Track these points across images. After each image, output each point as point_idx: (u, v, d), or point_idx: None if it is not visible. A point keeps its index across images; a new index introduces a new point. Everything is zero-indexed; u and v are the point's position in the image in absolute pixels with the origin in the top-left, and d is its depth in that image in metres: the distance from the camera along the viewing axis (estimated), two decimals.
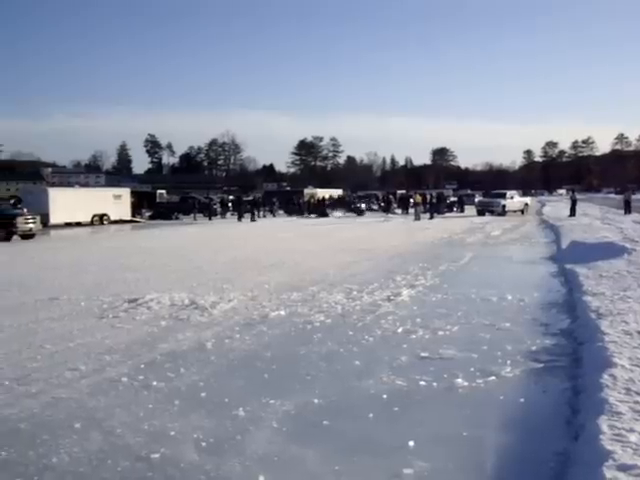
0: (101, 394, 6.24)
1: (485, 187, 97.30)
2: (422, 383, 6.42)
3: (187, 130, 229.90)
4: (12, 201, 46.60)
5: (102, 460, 4.69)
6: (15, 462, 4.70)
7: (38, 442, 5.04)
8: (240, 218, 48.76)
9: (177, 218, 53.49)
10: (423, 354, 7.49)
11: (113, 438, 5.11)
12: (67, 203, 43.26)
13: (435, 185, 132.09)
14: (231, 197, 68.79)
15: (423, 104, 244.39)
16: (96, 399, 6.10)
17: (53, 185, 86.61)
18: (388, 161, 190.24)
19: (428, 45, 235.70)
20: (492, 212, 47.48)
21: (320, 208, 55.84)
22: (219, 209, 57.77)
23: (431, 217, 44.80)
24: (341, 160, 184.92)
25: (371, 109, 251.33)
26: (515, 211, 48.44)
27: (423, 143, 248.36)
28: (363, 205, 57.65)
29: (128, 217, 48.63)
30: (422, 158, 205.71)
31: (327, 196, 65.35)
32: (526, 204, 51.38)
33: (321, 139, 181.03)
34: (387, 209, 56.66)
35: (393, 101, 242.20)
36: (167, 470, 4.52)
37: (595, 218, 34.79)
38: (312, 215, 54.08)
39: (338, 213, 55.60)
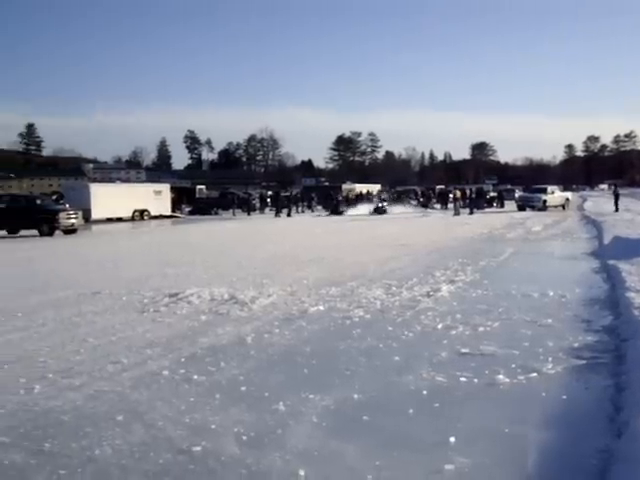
0: (143, 387, 6.31)
1: (525, 182, 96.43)
2: (463, 379, 6.36)
3: (226, 126, 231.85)
4: (54, 197, 47.49)
5: (144, 453, 4.74)
6: (59, 454, 4.76)
7: (81, 434, 5.10)
8: (277, 214, 48.86)
9: (216, 213, 53.91)
10: (463, 350, 7.43)
11: (155, 431, 5.16)
12: (108, 199, 43.83)
13: (474, 180, 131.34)
14: (269, 193, 69.04)
15: (462, 99, 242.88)
16: (138, 392, 6.16)
17: (94, 181, 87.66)
18: (427, 156, 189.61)
19: (468, 41, 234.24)
20: (533, 207, 47.03)
21: (333, 205, 51.53)
22: (258, 204, 58.00)
23: (471, 212, 44.53)
24: (379, 155, 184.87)
25: (410, 104, 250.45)
26: (556, 206, 47.93)
27: (462, 138, 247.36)
28: (385, 203, 51.46)
29: (168, 212, 49.12)
30: (461, 153, 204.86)
31: (363, 191, 65.12)
32: (567, 199, 50.84)
33: (359, 134, 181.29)
34: (426, 204, 56.38)
35: (432, 96, 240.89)
36: (208, 463, 4.55)
37: (638, 213, 34.26)
38: (311, 213, 50.85)
39: (357, 211, 49.98)
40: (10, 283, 14.03)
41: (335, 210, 49.85)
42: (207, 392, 6.12)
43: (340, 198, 56.02)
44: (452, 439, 4.88)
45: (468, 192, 51.98)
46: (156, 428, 5.21)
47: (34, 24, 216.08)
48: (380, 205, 50.21)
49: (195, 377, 6.59)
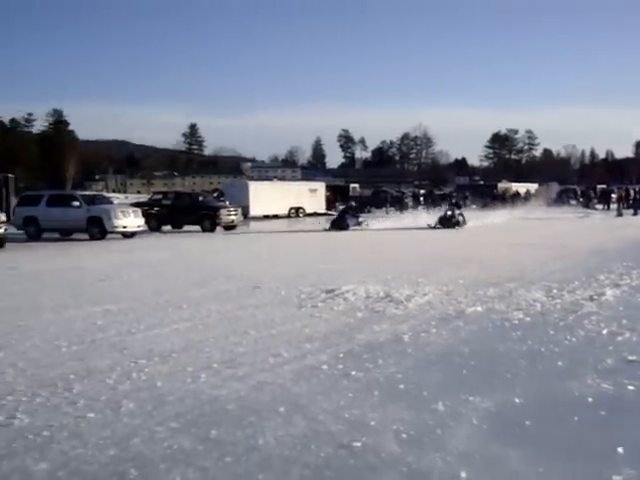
0: (303, 380, 6.43)
1: None
2: (630, 387, 6.06)
3: (379, 125, 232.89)
4: (215, 194, 49.47)
5: (305, 445, 4.82)
6: (224, 441, 4.92)
7: (245, 423, 5.27)
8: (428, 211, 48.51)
9: (369, 212, 54.14)
10: (631, 357, 7.07)
11: (315, 424, 5.24)
12: (266, 196, 45.17)
13: (638, 180, 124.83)
14: (422, 191, 68.71)
15: (624, 92, 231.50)
16: (298, 385, 6.29)
17: (252, 179, 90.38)
18: (587, 154, 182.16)
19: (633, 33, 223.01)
20: None
21: (336, 216, 34.72)
22: (411, 203, 57.85)
23: (635, 213, 42.47)
24: (537, 153, 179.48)
25: (569, 100, 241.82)
26: None
27: (625, 135, 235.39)
28: (457, 212, 32.02)
29: (323, 210, 49.89)
30: (624, 151, 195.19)
31: (521, 190, 63.41)
32: None
33: (516, 132, 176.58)
34: (587, 204, 54.31)
35: (593, 91, 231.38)
36: (368, 459, 4.58)
37: None
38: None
39: (381, 222, 34.86)
40: (175, 276, 14.71)
41: (337, 224, 31.93)
42: (365, 388, 6.16)
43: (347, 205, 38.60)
44: (620, 449, 4.66)
45: (632, 192, 49.53)
46: (317, 421, 5.30)
47: (201, 30, 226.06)
48: (449, 213, 31.52)
49: (353, 373, 6.65)
